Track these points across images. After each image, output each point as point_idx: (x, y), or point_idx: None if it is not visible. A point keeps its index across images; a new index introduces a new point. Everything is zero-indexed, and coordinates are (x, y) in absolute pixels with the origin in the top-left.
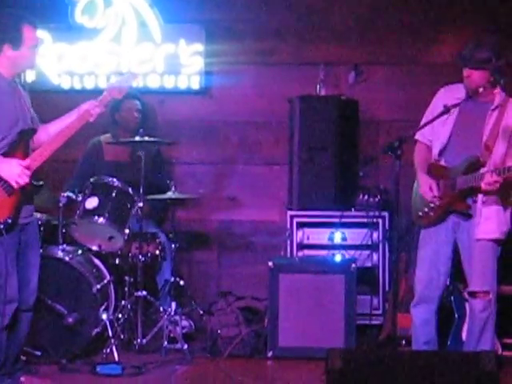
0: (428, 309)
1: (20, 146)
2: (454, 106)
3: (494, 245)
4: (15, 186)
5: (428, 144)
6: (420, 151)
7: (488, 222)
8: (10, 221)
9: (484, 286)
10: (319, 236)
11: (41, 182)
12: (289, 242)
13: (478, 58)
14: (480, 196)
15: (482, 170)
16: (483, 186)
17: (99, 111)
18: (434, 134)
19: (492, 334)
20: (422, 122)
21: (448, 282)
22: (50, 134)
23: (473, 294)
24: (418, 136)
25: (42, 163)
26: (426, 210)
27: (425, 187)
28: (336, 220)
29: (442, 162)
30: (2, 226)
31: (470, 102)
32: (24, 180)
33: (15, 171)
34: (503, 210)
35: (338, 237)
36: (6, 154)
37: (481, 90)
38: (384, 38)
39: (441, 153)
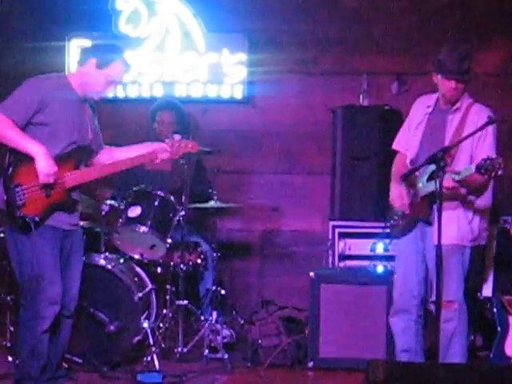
0: (405, 318)
1: (71, 159)
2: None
3: (456, 251)
4: (40, 179)
5: (406, 153)
6: (397, 161)
7: (445, 227)
8: (37, 219)
9: (446, 296)
10: (361, 246)
11: (77, 198)
12: (330, 252)
13: (464, 69)
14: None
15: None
16: (444, 190)
17: (166, 157)
18: (408, 143)
19: (462, 347)
20: (399, 133)
21: (424, 292)
22: (113, 157)
23: None
24: (395, 146)
25: (81, 184)
26: (396, 218)
27: (393, 195)
28: (378, 230)
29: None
30: (30, 220)
31: (437, 110)
32: (46, 180)
33: (47, 170)
34: (467, 217)
35: (380, 247)
36: (55, 160)
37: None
38: (427, 48)
39: (412, 162)
